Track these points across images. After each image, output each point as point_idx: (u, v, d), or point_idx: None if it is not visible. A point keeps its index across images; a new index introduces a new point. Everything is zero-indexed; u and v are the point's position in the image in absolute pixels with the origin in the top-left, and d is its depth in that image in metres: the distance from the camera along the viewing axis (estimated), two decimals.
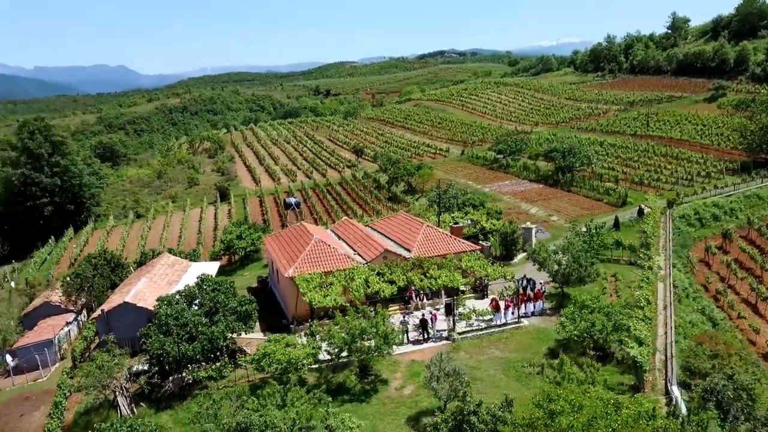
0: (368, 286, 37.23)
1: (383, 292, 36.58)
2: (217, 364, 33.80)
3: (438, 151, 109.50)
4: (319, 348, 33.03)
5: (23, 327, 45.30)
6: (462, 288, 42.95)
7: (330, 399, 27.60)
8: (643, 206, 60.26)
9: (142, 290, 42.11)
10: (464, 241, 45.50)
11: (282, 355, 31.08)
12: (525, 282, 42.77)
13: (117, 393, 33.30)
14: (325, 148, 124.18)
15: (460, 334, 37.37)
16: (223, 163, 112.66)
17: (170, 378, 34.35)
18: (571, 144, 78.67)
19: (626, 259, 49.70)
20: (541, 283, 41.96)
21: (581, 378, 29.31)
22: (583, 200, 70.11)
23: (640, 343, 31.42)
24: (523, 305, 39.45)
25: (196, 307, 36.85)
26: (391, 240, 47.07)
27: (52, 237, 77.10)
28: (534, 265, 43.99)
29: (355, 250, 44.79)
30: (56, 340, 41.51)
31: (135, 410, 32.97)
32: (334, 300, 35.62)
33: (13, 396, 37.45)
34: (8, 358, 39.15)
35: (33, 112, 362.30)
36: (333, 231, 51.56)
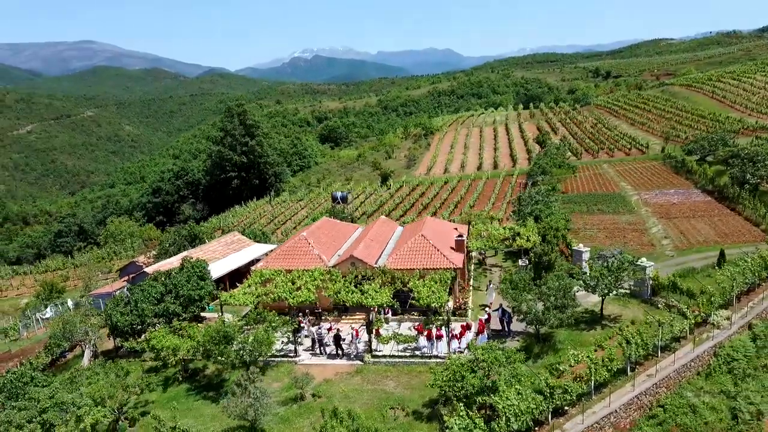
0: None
1: (290, 300, 36.05)
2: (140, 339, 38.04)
3: (636, 146, 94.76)
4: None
5: (120, 278, 56.61)
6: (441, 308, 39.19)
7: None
8: None
9: (172, 262, 48.84)
10: (453, 257, 40.89)
11: (155, 341, 33.78)
12: (501, 313, 37.14)
13: (84, 346, 40.42)
14: (523, 137, 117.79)
15: (375, 357, 34.80)
16: (416, 149, 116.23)
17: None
18: (758, 149, 60.72)
19: (681, 308, 38.18)
20: (487, 315, 36.28)
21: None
22: (737, 223, 54.46)
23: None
24: (456, 339, 34.68)
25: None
26: (391, 245, 45.07)
27: (236, 206, 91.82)
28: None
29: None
30: (115, 293, 51.09)
31: (92, 363, 39.56)
32: (243, 300, 36.58)
33: None
34: (69, 302, 50.10)
35: (359, 92, 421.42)
36: (364, 229, 51.21)
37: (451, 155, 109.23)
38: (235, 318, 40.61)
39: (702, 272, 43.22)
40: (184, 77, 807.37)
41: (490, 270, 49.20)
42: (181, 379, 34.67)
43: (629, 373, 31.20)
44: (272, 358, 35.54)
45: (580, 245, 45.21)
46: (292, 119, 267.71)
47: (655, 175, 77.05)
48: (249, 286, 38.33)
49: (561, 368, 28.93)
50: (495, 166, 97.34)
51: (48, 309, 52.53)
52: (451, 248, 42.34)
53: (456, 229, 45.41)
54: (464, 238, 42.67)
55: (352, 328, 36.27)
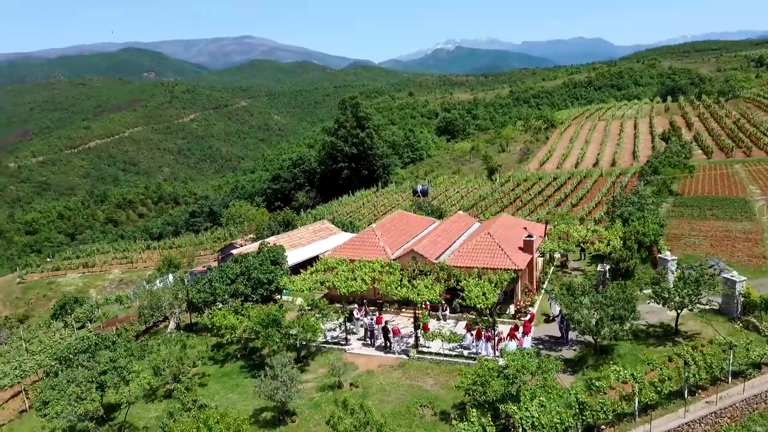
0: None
1: (342, 289, 36.75)
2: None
3: None
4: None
5: (218, 258, 61.30)
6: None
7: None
8: None
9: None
10: (516, 258, 39.34)
11: (216, 319, 36.32)
12: (560, 320, 35.43)
13: (170, 317, 44.47)
14: (652, 132, 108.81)
15: (420, 353, 34.78)
16: (532, 143, 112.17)
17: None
18: None
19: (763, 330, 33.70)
20: (529, 316, 34.79)
21: None
22: None
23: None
24: (503, 341, 33.63)
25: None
26: (459, 242, 44.44)
27: (345, 195, 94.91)
28: None
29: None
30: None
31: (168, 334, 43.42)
32: (300, 285, 38.06)
33: None
34: (170, 277, 55.08)
35: (495, 84, 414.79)
36: (443, 223, 50.86)
37: (567, 150, 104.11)
38: (299, 302, 42.39)
39: None
40: (331, 69, 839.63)
41: (570, 274, 46.63)
42: (238, 356, 37.00)
43: (686, 397, 28.25)
44: (324, 344, 36.78)
45: (667, 252, 41.36)
46: (421, 111, 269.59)
47: None
48: (311, 273, 39.76)
49: (598, 384, 26.89)
50: (613, 163, 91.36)
51: (157, 281, 58.28)
52: (519, 248, 40.82)
53: (525, 228, 43.62)
54: (533, 238, 40.87)
55: (392, 326, 36.26)
